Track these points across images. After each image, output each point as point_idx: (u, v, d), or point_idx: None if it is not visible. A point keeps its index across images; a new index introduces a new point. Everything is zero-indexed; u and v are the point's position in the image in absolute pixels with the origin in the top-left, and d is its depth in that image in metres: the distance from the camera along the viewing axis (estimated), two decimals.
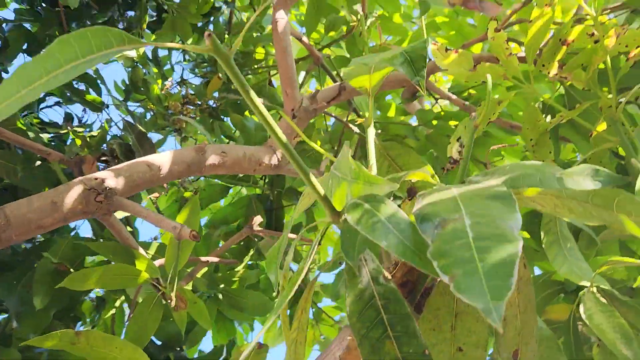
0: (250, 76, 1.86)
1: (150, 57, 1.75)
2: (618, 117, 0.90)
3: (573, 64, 0.99)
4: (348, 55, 1.77)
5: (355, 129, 1.49)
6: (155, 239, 1.57)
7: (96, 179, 0.93)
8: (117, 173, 0.96)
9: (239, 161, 1.17)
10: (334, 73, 1.69)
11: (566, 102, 1.24)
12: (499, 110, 0.96)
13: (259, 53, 1.74)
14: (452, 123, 1.54)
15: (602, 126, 1.04)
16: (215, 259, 1.16)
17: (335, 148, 1.66)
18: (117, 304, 1.40)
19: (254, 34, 1.78)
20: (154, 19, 1.88)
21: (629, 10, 1.22)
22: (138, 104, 1.69)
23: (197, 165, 1.10)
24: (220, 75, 1.62)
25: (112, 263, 1.00)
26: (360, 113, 1.64)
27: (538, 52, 1.04)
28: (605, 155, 1.07)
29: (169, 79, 1.74)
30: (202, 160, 1.11)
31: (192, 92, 1.79)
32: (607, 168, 1.14)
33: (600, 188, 0.46)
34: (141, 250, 1.02)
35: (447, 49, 0.90)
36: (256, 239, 1.56)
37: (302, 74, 1.74)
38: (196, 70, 1.72)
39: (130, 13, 1.82)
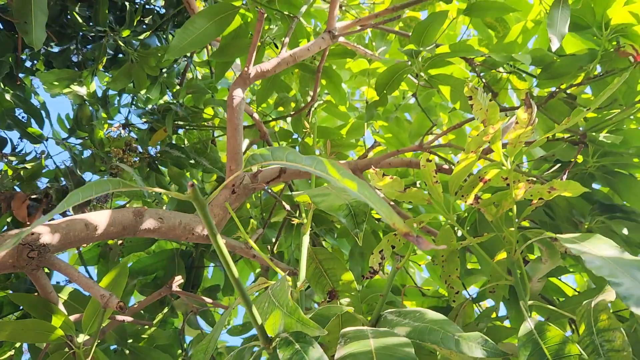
0: (195, 131, 1.91)
1: (100, 97, 1.77)
2: (516, 259, 1.04)
3: (487, 201, 1.13)
4: (293, 132, 1.87)
5: (286, 206, 1.57)
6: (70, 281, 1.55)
7: (32, 234, 0.94)
8: (55, 229, 0.98)
9: (173, 228, 1.21)
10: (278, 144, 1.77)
11: (477, 224, 1.39)
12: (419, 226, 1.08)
13: (207, 113, 1.81)
14: (382, 224, 1.67)
15: (502, 255, 1.19)
16: (130, 319, 1.18)
17: (265, 217, 1.73)
18: (17, 344, 1.36)
19: (206, 96, 1.85)
20: (110, 56, 1.91)
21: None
22: (79, 141, 1.68)
23: (132, 228, 1.14)
24: (166, 128, 1.67)
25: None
26: (294, 188, 1.73)
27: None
28: (502, 277, 1.20)
29: (116, 124, 1.76)
30: (138, 223, 1.15)
31: (136, 137, 1.81)
32: (502, 292, 1.28)
33: (486, 358, 0.56)
34: (60, 306, 1.03)
35: (383, 175, 1.01)
36: (172, 297, 1.58)
37: (247, 141, 1.82)
38: (143, 117, 1.75)
39: (89, 46, 1.84)
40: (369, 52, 1.62)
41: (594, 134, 1.22)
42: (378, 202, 0.42)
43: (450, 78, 1.32)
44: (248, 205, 1.85)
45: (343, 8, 2.11)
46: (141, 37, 1.83)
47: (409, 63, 1.35)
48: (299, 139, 1.86)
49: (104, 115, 1.77)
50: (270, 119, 1.90)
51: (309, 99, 1.80)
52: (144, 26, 1.85)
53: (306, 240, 0.90)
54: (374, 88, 1.40)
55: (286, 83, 1.81)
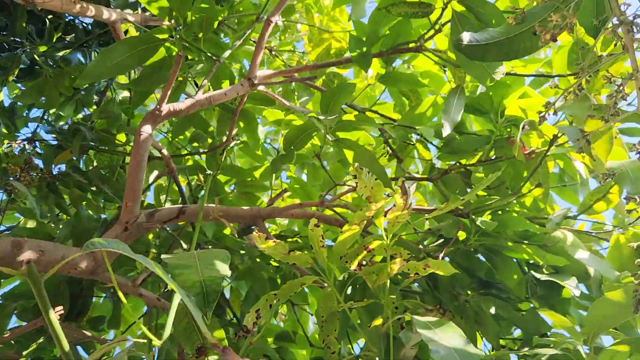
0: (106, 154, 1.87)
1: (7, 107, 1.70)
2: (385, 328, 1.09)
3: (368, 269, 1.18)
4: (206, 168, 1.87)
5: (184, 245, 1.57)
6: None
7: None
8: None
9: (55, 262, 1.18)
10: (186, 183, 1.77)
11: (364, 288, 1.44)
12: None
13: (119, 140, 1.78)
14: (273, 262, 1.70)
15: (379, 321, 1.24)
16: None
17: (163, 251, 1.71)
18: None
19: (121, 121, 1.83)
20: (26, 67, 1.85)
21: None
22: None
23: (8, 259, 1.10)
24: (72, 150, 1.63)
25: None
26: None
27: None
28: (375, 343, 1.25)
29: (20, 137, 1.69)
30: (16, 254, 1.11)
31: (40, 152, 1.76)
32: (375, 356, 1.32)
33: None
34: None
35: (267, 238, 1.04)
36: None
37: (155, 173, 1.80)
38: (52, 134, 1.70)
39: (4, 54, 1.78)
40: (286, 103, 1.66)
41: (473, 216, 1.31)
42: (195, 311, 0.44)
43: (354, 143, 1.38)
44: (151, 236, 1.82)
45: (273, 52, 2.16)
46: (61, 53, 1.79)
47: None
48: (212, 176, 1.86)
49: (4, 130, 1.70)
50: (185, 152, 1.90)
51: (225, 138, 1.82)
52: (66, 41, 1.81)
53: (177, 297, 0.91)
54: (282, 143, 1.44)
55: (205, 119, 1.82)
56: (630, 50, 0.57)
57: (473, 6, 1.10)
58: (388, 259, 1.11)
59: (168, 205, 2.09)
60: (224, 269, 0.72)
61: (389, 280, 1.11)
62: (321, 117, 1.26)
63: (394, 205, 1.00)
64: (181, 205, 1.44)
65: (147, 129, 1.41)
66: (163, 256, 0.77)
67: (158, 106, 1.43)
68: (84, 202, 1.74)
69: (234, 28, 2.07)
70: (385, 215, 1.08)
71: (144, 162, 1.37)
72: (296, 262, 1.14)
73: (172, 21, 1.61)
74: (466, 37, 0.60)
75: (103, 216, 1.78)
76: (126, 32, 2.02)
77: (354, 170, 1.00)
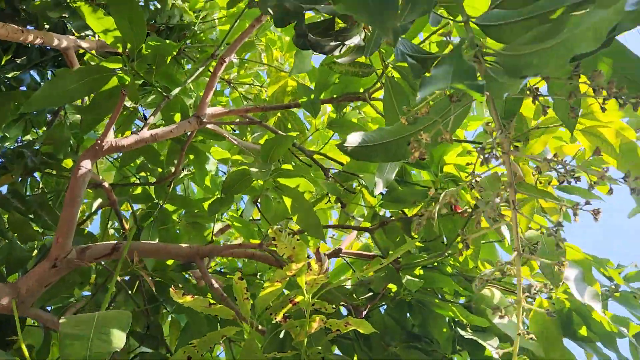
0: (52, 179, 1.85)
1: None
2: None
3: (292, 323, 1.19)
4: (155, 197, 1.87)
5: (117, 278, 1.56)
6: None
7: None
8: None
9: None
10: (131, 213, 1.77)
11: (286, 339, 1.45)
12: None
13: (65, 165, 1.77)
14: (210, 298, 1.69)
15: None
16: None
17: (99, 282, 1.70)
18: None
19: (70, 145, 1.81)
20: None
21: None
22: None
23: None
24: (13, 175, 1.61)
25: None
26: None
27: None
28: None
29: None
30: None
31: None
32: None
33: None
34: None
35: (205, 276, 1.05)
36: None
37: (99, 200, 1.79)
38: None
39: None
40: (234, 141, 1.67)
41: (400, 273, 1.33)
42: None
43: (293, 191, 1.39)
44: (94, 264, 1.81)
45: (232, 84, 2.17)
46: (10, 75, 1.78)
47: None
48: (160, 206, 1.86)
49: None
50: (132, 181, 1.89)
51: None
52: (16, 63, 1.80)
53: None
54: (221, 187, 1.45)
55: (155, 150, 1.82)
56: (507, 169, 0.60)
57: (406, 74, 1.13)
58: (307, 317, 1.12)
59: (113, 231, 2.08)
60: (119, 339, 0.72)
61: (306, 339, 1.12)
62: (254, 170, 1.28)
63: (309, 269, 1.01)
64: (115, 242, 1.43)
65: (86, 164, 1.40)
66: (62, 320, 0.77)
67: (100, 141, 1.43)
68: (22, 228, 1.71)
69: (194, 59, 2.09)
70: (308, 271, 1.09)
71: (79, 197, 1.36)
72: (219, 314, 1.15)
73: (127, 51, 1.61)
74: (353, 139, 0.62)
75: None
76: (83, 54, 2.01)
77: (272, 232, 1.01)
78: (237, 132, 2.13)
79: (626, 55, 0.68)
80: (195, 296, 1.05)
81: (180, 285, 1.68)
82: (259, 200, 1.62)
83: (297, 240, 1.04)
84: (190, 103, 2.04)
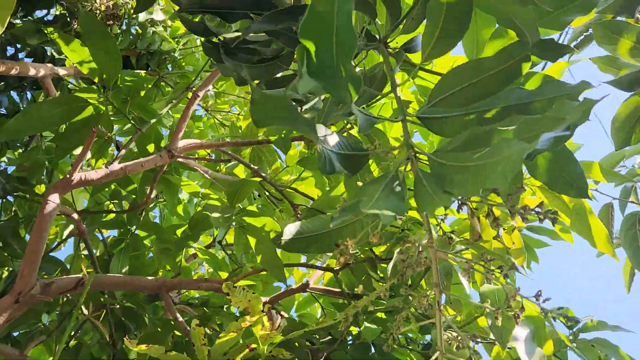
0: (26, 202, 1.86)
1: None
2: None
3: None
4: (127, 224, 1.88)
5: (85, 310, 1.57)
6: None
7: None
8: None
9: None
10: (102, 241, 1.78)
11: None
12: None
13: (38, 191, 1.78)
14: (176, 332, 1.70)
15: None
16: None
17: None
18: None
19: (45, 168, 1.82)
20: None
21: None
22: None
23: None
24: None
25: None
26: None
27: None
28: None
29: None
30: None
31: None
32: None
33: None
34: None
35: (170, 310, 1.07)
36: None
37: (71, 227, 1.80)
38: None
39: None
40: (206, 175, 1.69)
41: (360, 317, 1.36)
42: None
43: (258, 231, 1.41)
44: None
45: (209, 111, 2.19)
46: None
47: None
48: (133, 232, 1.87)
49: None
50: (107, 204, 1.90)
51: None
52: None
53: None
54: (188, 223, 1.47)
55: (128, 177, 1.83)
56: (433, 266, 0.62)
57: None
58: None
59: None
60: None
61: None
62: (215, 216, 1.30)
63: (263, 327, 1.04)
64: (80, 276, 1.44)
65: (54, 198, 1.41)
66: None
67: (69, 175, 1.44)
68: None
69: (173, 84, 2.10)
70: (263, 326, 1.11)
71: (46, 232, 1.37)
72: None
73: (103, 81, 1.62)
74: (288, 231, 0.65)
75: None
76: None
77: (225, 288, 1.03)
78: (213, 156, 2.15)
79: (566, 155, 0.70)
80: (150, 345, 1.06)
81: (149, 316, 1.70)
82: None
83: (253, 293, 1.06)
84: (169, 124, 2.06)
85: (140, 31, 2.05)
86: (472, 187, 0.51)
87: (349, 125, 1.42)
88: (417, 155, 0.64)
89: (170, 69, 2.16)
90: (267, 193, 1.74)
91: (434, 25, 0.63)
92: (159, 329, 1.66)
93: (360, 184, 0.62)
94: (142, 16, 2.01)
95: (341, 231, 0.63)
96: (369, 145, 0.61)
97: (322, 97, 1.03)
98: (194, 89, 1.70)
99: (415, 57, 0.86)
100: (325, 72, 0.53)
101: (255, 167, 1.71)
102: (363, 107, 0.79)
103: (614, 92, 1.01)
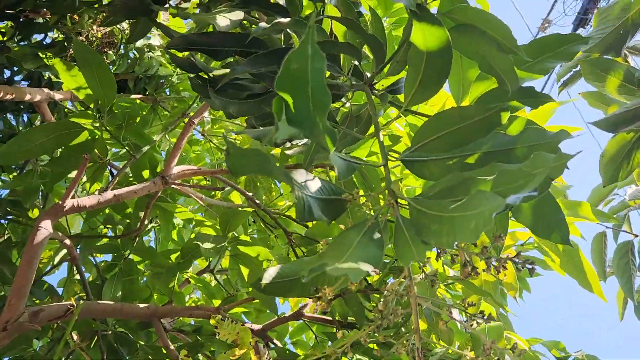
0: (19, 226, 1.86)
1: None
2: None
3: None
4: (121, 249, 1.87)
5: (75, 337, 1.56)
6: None
7: None
8: None
9: None
10: (94, 266, 1.77)
11: None
12: None
13: (32, 215, 1.78)
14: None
15: None
16: None
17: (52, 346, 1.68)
18: None
19: (39, 192, 1.82)
20: None
21: None
22: None
23: None
24: None
25: None
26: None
27: None
28: None
29: None
30: None
31: None
32: None
33: None
34: None
35: (162, 338, 1.06)
36: None
37: (63, 252, 1.79)
38: None
39: None
40: (200, 202, 1.69)
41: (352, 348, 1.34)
42: None
43: (251, 260, 1.41)
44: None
45: (205, 135, 2.20)
46: None
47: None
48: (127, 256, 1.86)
49: None
50: (100, 229, 1.90)
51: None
52: None
53: None
54: (180, 251, 1.46)
55: (125, 204, 1.83)
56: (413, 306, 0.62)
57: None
58: None
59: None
60: None
61: None
62: (206, 247, 1.29)
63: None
64: (69, 303, 1.43)
65: (46, 225, 1.41)
66: None
67: (61, 201, 1.44)
68: None
69: (170, 108, 2.11)
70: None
71: (36, 260, 1.37)
72: None
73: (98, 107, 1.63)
74: (268, 274, 0.64)
75: None
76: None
77: (213, 321, 1.02)
78: (209, 181, 2.15)
79: (548, 201, 0.70)
80: None
81: (140, 344, 1.68)
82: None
83: (242, 325, 1.06)
84: (166, 148, 2.07)
85: (137, 56, 2.07)
86: (446, 239, 0.51)
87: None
88: (398, 200, 0.64)
89: (168, 93, 2.17)
90: (262, 220, 1.74)
91: (415, 72, 0.64)
92: (150, 357, 1.64)
93: (342, 227, 0.62)
94: (140, 41, 2.03)
95: (322, 275, 0.63)
96: (347, 195, 0.61)
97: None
98: (190, 114, 1.71)
99: (403, 97, 0.87)
100: (303, 123, 0.53)
101: (250, 194, 1.70)
102: (345, 150, 0.79)
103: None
